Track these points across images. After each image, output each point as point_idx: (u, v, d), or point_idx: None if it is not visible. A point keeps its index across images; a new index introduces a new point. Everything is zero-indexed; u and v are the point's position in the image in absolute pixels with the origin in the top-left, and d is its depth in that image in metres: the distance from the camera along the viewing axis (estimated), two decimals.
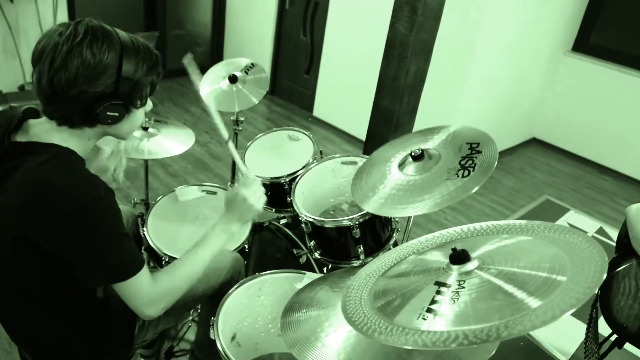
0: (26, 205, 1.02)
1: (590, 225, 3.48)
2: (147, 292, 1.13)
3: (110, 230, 1.06)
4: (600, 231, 3.41)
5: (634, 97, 4.11)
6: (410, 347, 0.78)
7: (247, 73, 2.25)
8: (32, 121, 1.12)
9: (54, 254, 1.05)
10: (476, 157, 1.33)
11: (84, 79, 1.00)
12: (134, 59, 1.04)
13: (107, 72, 1.01)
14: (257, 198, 1.35)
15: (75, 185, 1.02)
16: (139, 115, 1.15)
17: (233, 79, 2.19)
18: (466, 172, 1.29)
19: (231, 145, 1.40)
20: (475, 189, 1.23)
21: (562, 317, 0.70)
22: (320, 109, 4.62)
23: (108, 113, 1.05)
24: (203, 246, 1.27)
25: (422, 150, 1.43)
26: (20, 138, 1.09)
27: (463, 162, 1.33)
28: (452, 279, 0.88)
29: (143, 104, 1.13)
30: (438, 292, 0.86)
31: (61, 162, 1.05)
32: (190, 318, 2.03)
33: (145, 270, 1.12)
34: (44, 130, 1.08)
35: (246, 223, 1.35)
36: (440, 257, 0.95)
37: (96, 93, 1.02)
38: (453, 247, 0.90)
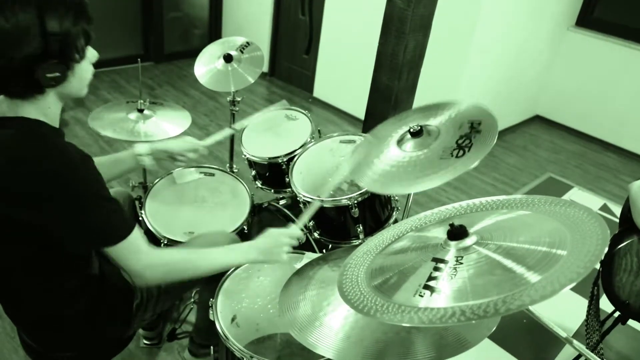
0: (2, 182, 1.00)
1: (594, 202, 3.46)
2: (144, 254, 1.12)
3: (91, 196, 1.04)
4: (604, 208, 3.39)
5: (638, 73, 4.04)
6: (407, 325, 0.76)
7: (242, 52, 2.21)
8: None
9: (40, 227, 1.03)
10: (474, 137, 1.31)
11: (6, 46, 0.94)
12: (55, 11, 0.97)
13: (29, 33, 0.95)
14: (285, 244, 1.38)
15: (49, 156, 0.99)
16: (84, 69, 1.09)
17: (228, 58, 2.16)
18: (461, 152, 1.27)
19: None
20: (473, 165, 1.21)
21: (563, 291, 0.69)
22: (321, 90, 4.58)
23: (48, 75, 0.99)
24: (219, 249, 1.30)
25: (421, 126, 1.40)
26: None
27: (460, 142, 1.31)
28: (450, 255, 0.86)
29: (82, 57, 1.07)
30: (436, 269, 0.84)
31: (31, 135, 1.03)
32: (192, 300, 2.03)
33: (137, 234, 1.11)
34: (5, 108, 1.05)
35: (264, 260, 1.40)
36: (438, 234, 0.94)
37: (26, 57, 0.96)
38: (451, 222, 0.88)
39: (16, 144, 1.00)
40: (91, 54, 1.11)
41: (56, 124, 1.11)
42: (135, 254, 1.11)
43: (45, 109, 1.07)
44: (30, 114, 1.05)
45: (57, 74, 1.01)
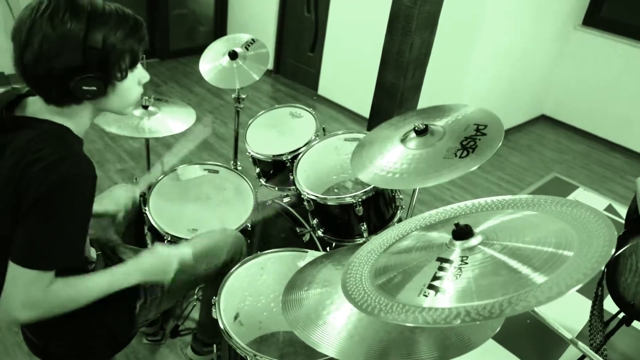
0: (13, 178, 1.00)
1: (599, 202, 3.44)
2: (31, 293, 1.01)
3: (68, 214, 1.00)
4: (610, 208, 3.37)
5: None
6: (411, 325, 0.76)
7: (247, 49, 2.21)
8: (30, 98, 1.10)
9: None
10: (479, 139, 1.30)
11: (48, 54, 0.96)
12: (102, 27, 0.98)
13: (69, 43, 0.96)
14: (173, 264, 1.28)
15: (60, 159, 0.99)
16: (128, 88, 1.09)
17: (233, 55, 2.15)
18: (465, 153, 1.26)
19: None
20: (474, 168, 1.21)
21: (569, 293, 0.68)
22: (326, 88, 4.57)
23: (84, 87, 1.00)
24: (100, 276, 1.16)
25: (426, 125, 1.39)
26: (18, 113, 1.08)
27: (465, 143, 1.31)
28: (454, 255, 0.85)
29: (124, 76, 1.06)
30: (440, 269, 0.83)
31: (52, 137, 1.03)
32: (195, 297, 2.03)
33: (49, 275, 1.02)
34: (38, 108, 1.07)
35: (146, 282, 1.28)
36: (443, 233, 0.93)
37: (64, 67, 0.97)
38: (456, 222, 0.87)
39: (35, 146, 1.00)
40: (140, 75, 1.11)
41: (82, 134, 1.11)
42: (20, 286, 1.00)
43: (78, 118, 1.08)
44: (58, 119, 1.06)
45: (94, 88, 1.01)
